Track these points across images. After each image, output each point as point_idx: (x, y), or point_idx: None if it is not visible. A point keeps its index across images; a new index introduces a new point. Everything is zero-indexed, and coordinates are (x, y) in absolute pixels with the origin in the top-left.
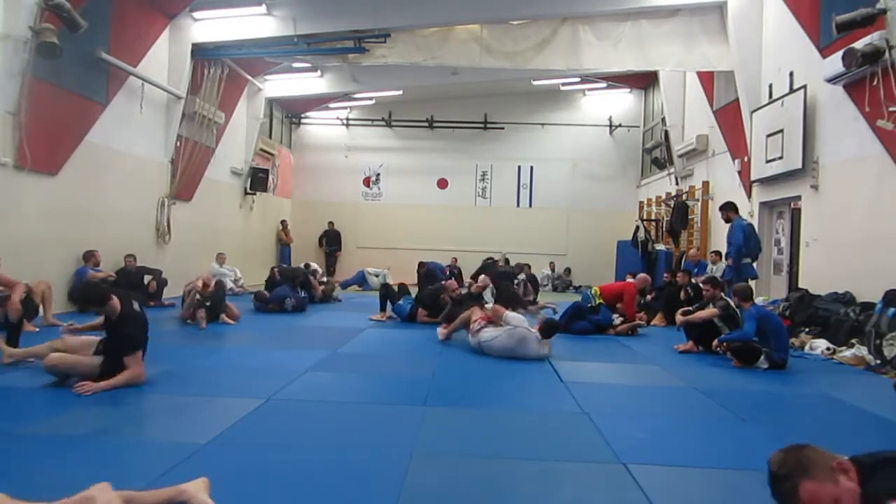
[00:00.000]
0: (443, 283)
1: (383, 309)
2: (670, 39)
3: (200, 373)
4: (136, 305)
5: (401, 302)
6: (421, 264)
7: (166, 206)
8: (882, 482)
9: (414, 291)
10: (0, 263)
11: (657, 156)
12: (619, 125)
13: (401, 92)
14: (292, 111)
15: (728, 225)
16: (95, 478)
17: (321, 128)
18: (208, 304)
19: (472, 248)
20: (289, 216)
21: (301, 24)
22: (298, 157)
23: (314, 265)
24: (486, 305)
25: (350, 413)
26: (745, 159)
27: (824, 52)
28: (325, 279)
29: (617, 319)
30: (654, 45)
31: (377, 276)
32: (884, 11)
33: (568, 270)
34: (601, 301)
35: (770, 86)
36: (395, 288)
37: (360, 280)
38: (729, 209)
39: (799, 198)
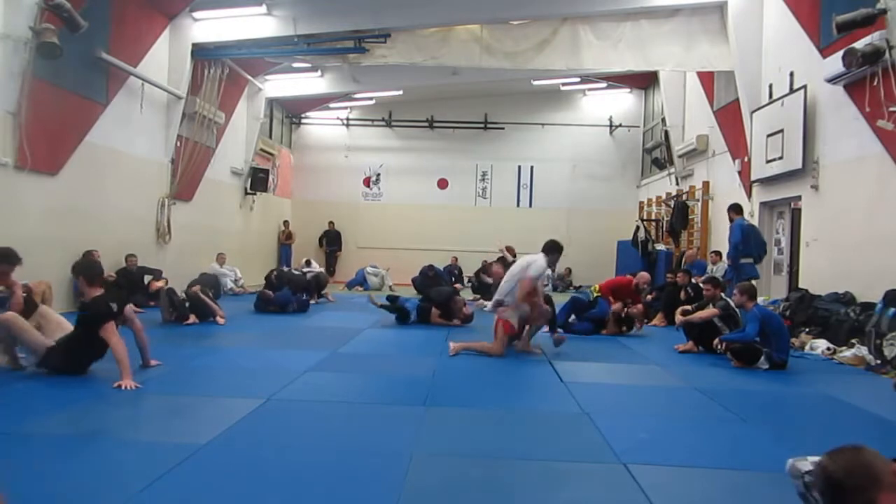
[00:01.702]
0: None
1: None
2: (670, 39)
3: (200, 373)
4: (114, 305)
5: (413, 318)
6: (430, 267)
7: (166, 206)
8: None
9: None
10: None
11: (657, 156)
12: (619, 125)
13: (401, 92)
14: (292, 111)
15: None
16: (95, 478)
17: (321, 128)
18: (188, 304)
19: (472, 248)
20: (289, 216)
21: (301, 24)
22: (298, 157)
23: (314, 266)
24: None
25: (350, 413)
26: (746, 159)
27: (824, 52)
28: (324, 294)
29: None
30: (654, 45)
31: (376, 275)
32: (884, 11)
33: (569, 270)
34: (598, 294)
35: (770, 86)
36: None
37: (361, 280)
38: (731, 210)
39: (799, 198)
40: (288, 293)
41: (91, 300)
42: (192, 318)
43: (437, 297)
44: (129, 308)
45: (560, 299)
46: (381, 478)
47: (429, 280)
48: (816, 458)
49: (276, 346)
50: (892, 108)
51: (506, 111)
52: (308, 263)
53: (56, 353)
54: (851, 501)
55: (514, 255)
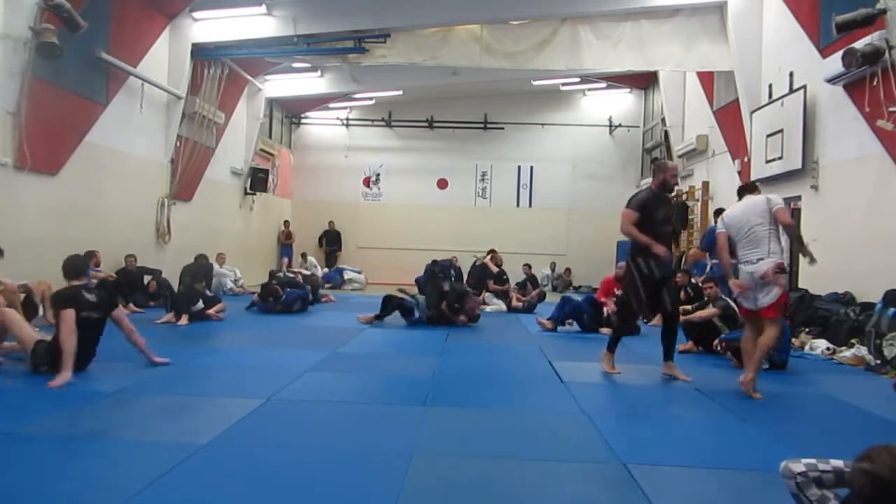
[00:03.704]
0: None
1: (378, 317)
2: (670, 39)
3: (200, 373)
4: (90, 296)
5: (417, 315)
6: (434, 262)
7: (166, 206)
8: None
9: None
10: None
11: (657, 156)
12: (619, 125)
13: (401, 92)
14: (292, 111)
15: None
16: (95, 478)
17: (321, 128)
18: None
19: (472, 248)
20: (289, 216)
21: (301, 24)
22: (298, 157)
23: (311, 261)
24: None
25: (350, 413)
26: (745, 159)
27: (824, 52)
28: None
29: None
30: (654, 45)
31: (356, 280)
32: (884, 11)
33: (568, 270)
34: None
35: (770, 86)
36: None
37: (334, 277)
38: (714, 214)
39: (799, 198)
40: (296, 291)
41: (62, 289)
42: (184, 319)
43: (455, 288)
44: (120, 311)
45: (558, 299)
46: (381, 478)
47: (434, 277)
48: (810, 460)
49: (276, 346)
50: (891, 108)
51: (506, 111)
52: (304, 257)
53: (42, 344)
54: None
55: (499, 264)
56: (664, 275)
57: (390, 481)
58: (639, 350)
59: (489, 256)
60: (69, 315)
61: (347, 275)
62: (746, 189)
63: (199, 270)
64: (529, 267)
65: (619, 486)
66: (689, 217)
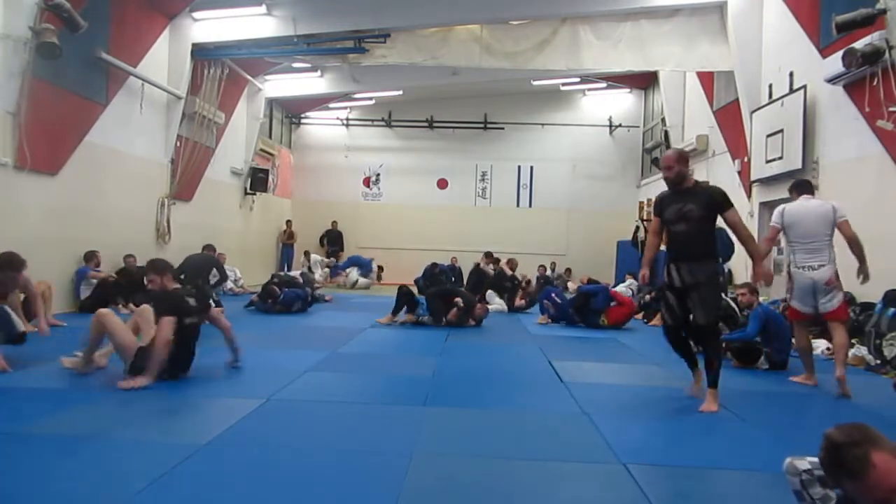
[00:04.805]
0: None
1: (394, 313)
2: (670, 39)
3: (200, 373)
4: (191, 300)
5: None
6: (434, 265)
7: (166, 206)
8: None
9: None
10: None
11: (657, 156)
12: (619, 125)
13: (401, 92)
14: (292, 111)
15: None
16: (95, 478)
17: (321, 128)
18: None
19: (472, 248)
20: (289, 216)
21: (301, 24)
22: (298, 158)
23: (314, 258)
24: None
25: (350, 413)
26: (745, 159)
27: (824, 52)
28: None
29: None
30: (654, 45)
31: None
32: (884, 11)
33: (568, 270)
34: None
35: (770, 86)
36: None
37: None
38: None
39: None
40: (295, 291)
41: (163, 293)
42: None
43: (466, 298)
44: (215, 309)
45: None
46: (380, 478)
47: (434, 278)
48: (815, 459)
49: (276, 346)
50: (891, 108)
51: (506, 111)
52: (307, 255)
53: (144, 353)
54: (846, 457)
55: (513, 267)
56: (687, 282)
57: (390, 481)
58: (639, 350)
59: (507, 261)
60: (170, 324)
61: (352, 276)
62: (803, 188)
63: (211, 263)
64: (544, 268)
65: (619, 486)
66: None
